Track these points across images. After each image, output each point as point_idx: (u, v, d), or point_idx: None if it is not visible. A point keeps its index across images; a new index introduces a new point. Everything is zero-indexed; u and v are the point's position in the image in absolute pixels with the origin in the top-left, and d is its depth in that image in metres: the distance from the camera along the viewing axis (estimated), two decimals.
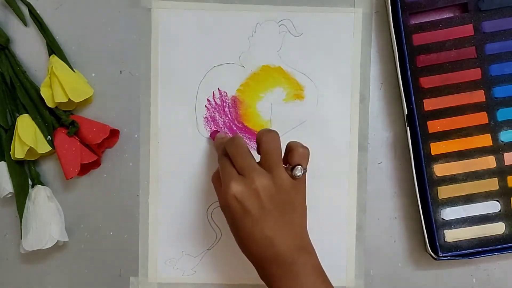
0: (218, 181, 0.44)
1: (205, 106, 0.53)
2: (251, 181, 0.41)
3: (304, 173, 0.43)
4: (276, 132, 0.43)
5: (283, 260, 0.41)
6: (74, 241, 0.53)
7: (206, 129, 0.53)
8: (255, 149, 0.44)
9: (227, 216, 0.43)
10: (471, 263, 0.53)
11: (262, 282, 0.43)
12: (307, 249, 0.43)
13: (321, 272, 0.43)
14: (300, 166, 0.42)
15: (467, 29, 0.50)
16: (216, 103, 0.53)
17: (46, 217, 0.50)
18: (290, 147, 0.44)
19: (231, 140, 0.43)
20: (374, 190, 0.53)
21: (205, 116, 0.53)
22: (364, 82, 0.52)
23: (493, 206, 0.51)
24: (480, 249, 0.51)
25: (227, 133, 0.52)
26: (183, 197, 0.53)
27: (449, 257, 0.50)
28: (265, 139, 0.42)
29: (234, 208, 0.41)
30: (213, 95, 0.53)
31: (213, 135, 0.52)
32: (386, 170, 0.53)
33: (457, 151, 0.51)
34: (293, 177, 0.42)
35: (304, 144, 0.43)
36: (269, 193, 0.41)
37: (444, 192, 0.51)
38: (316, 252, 0.44)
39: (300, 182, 0.44)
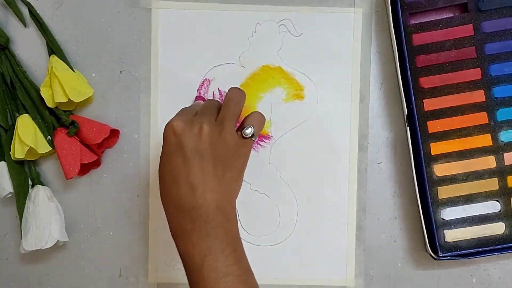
0: None
1: None
2: (198, 122, 0.40)
3: (253, 137, 0.42)
4: (244, 92, 0.44)
5: (198, 215, 0.38)
6: (74, 241, 0.53)
7: None
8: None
9: (161, 152, 0.41)
10: (471, 263, 0.53)
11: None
12: (227, 214, 0.39)
13: (234, 240, 0.39)
14: (251, 127, 0.42)
15: (467, 29, 0.50)
16: None
17: (46, 217, 0.50)
18: (249, 114, 0.43)
19: (209, 100, 0.44)
20: (374, 190, 0.53)
21: None
22: (364, 82, 0.52)
23: (493, 206, 0.51)
24: (480, 249, 0.51)
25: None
26: None
27: (449, 257, 0.50)
28: (231, 92, 0.43)
29: (169, 142, 0.40)
30: (213, 95, 0.53)
31: (197, 99, 0.53)
32: (386, 170, 0.53)
33: (457, 151, 0.51)
34: (242, 136, 0.41)
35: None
36: (210, 139, 0.39)
37: (444, 192, 0.51)
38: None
39: (245, 147, 0.42)
